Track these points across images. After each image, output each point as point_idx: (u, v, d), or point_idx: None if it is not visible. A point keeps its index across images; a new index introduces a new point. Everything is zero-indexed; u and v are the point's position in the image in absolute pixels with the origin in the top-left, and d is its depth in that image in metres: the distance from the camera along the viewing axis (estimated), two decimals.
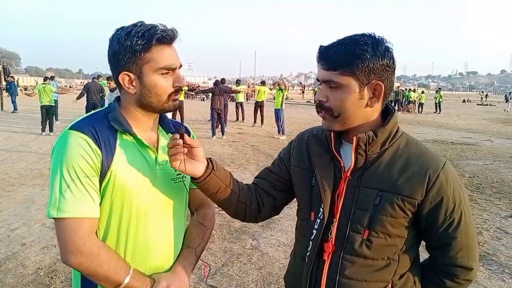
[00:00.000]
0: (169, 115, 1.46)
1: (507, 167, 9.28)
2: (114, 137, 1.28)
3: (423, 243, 1.32)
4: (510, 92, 45.09)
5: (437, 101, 29.33)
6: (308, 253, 1.29)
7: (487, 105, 45.09)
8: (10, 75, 21.95)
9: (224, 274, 3.78)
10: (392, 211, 1.17)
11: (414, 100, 29.94)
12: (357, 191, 1.22)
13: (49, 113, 12.77)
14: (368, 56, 1.14)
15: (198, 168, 1.26)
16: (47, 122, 12.74)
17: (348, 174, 1.24)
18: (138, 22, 1.27)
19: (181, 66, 1.33)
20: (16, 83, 21.47)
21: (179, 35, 1.29)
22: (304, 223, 1.36)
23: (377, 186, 1.19)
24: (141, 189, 1.29)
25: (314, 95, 1.69)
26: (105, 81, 14.77)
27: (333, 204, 1.25)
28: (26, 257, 4.03)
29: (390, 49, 1.18)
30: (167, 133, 1.44)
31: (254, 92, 18.54)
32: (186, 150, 1.23)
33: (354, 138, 1.20)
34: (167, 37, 1.25)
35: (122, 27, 1.27)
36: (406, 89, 33.43)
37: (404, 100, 30.39)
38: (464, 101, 55.61)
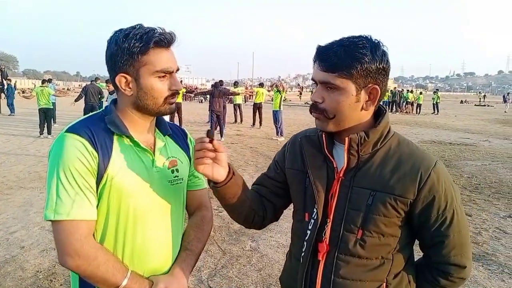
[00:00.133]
0: (166, 118, 1.46)
1: (505, 167, 9.30)
2: (111, 139, 1.28)
3: (417, 242, 1.33)
4: (508, 93, 45.17)
5: (434, 102, 29.41)
6: (302, 254, 1.29)
7: (484, 105, 45.17)
8: (8, 77, 21.85)
9: (223, 276, 3.78)
10: (385, 211, 1.18)
11: (412, 101, 29.99)
12: (350, 191, 1.22)
13: (47, 116, 12.75)
14: (367, 60, 1.14)
15: (221, 173, 1.24)
16: (45, 125, 12.71)
17: (341, 175, 1.24)
18: (137, 25, 1.28)
19: (178, 69, 1.34)
20: (12, 86, 21.39)
21: (177, 38, 1.30)
22: (298, 224, 1.36)
23: (370, 186, 1.20)
24: (138, 192, 1.29)
25: None
26: (104, 84, 14.78)
27: (326, 205, 1.26)
28: (25, 260, 4.01)
29: (386, 53, 1.19)
30: (164, 136, 1.44)
31: (252, 94, 18.54)
32: (213, 155, 1.21)
33: (346, 138, 1.20)
34: (164, 40, 1.25)
35: (121, 29, 1.28)
36: (402, 90, 33.46)
37: (401, 101, 30.45)
38: (462, 101, 55.75)
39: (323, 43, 1.23)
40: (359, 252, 1.21)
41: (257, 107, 16.79)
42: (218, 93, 12.84)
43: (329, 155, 1.28)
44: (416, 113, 28.93)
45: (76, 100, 14.21)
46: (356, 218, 1.20)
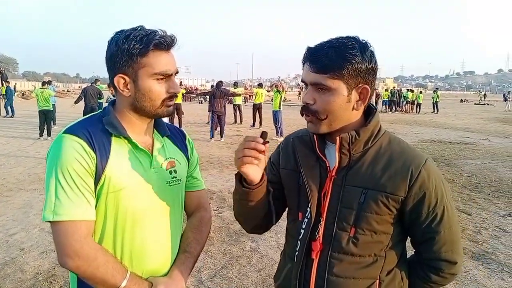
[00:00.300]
0: (166, 119, 1.47)
1: (505, 166, 9.30)
2: (109, 140, 1.28)
3: (409, 239, 1.34)
4: (509, 92, 45.15)
5: (434, 101, 29.42)
6: (296, 253, 1.30)
7: (484, 104, 45.19)
8: (7, 80, 21.85)
9: (223, 277, 3.78)
10: (377, 208, 1.20)
11: (412, 100, 30.02)
12: (342, 189, 1.24)
13: (47, 118, 12.76)
14: (357, 60, 1.16)
15: (258, 174, 1.22)
16: (45, 127, 12.72)
17: (333, 174, 1.25)
18: (138, 26, 1.28)
19: (177, 72, 1.34)
20: (12, 88, 21.36)
21: (177, 41, 1.31)
22: (292, 223, 1.37)
23: (361, 184, 1.21)
24: (136, 193, 1.30)
25: None
26: (104, 85, 14.81)
27: (319, 204, 1.27)
28: (24, 262, 4.01)
29: (374, 53, 1.21)
30: (162, 137, 1.44)
31: (252, 94, 18.54)
32: (262, 156, 1.19)
33: (338, 138, 1.22)
34: (164, 43, 1.26)
35: (122, 30, 1.28)
36: (400, 89, 33.47)
37: (401, 100, 30.47)
38: (461, 100, 55.75)
39: (312, 45, 1.23)
40: (352, 250, 1.22)
41: (257, 108, 16.80)
42: (219, 94, 12.85)
43: (321, 155, 1.29)
44: (416, 112, 28.94)
45: (76, 102, 14.23)
46: (348, 216, 1.22)
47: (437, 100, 29.54)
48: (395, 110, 29.83)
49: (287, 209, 1.44)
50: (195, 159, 1.59)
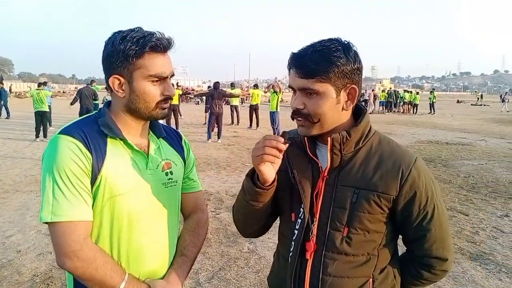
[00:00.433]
0: (162, 120, 1.46)
1: (502, 166, 9.34)
2: (104, 141, 1.28)
3: (400, 236, 1.36)
4: (506, 92, 45.29)
5: (431, 102, 29.50)
6: (291, 254, 1.30)
7: (481, 105, 45.35)
8: (2, 81, 21.72)
9: (221, 278, 3.77)
10: (369, 208, 1.21)
11: (409, 101, 30.10)
12: (335, 190, 1.25)
13: (43, 119, 12.71)
14: (342, 62, 1.17)
15: (273, 174, 1.23)
16: (41, 128, 12.67)
17: (326, 174, 1.26)
18: (136, 28, 1.28)
19: (173, 75, 1.34)
20: (5, 90, 21.21)
21: (174, 44, 1.31)
22: (285, 224, 1.37)
23: (353, 184, 1.23)
24: (132, 194, 1.29)
25: None
26: (99, 86, 14.80)
27: (312, 204, 1.27)
28: (21, 264, 3.99)
29: (358, 53, 1.23)
30: (158, 138, 1.44)
31: (249, 95, 18.52)
32: (281, 157, 1.19)
33: (329, 138, 1.22)
34: (160, 45, 1.26)
35: (119, 31, 1.28)
36: (396, 90, 33.56)
37: (398, 101, 30.56)
38: (458, 101, 55.96)
39: (295, 50, 1.24)
40: (346, 249, 1.23)
41: (253, 109, 16.81)
42: (217, 95, 12.84)
43: (312, 156, 1.29)
44: (413, 113, 29.02)
45: (71, 104, 14.22)
46: (341, 216, 1.23)
47: (434, 100, 29.62)
48: (392, 111, 29.94)
49: (280, 210, 1.43)
50: (192, 160, 1.58)
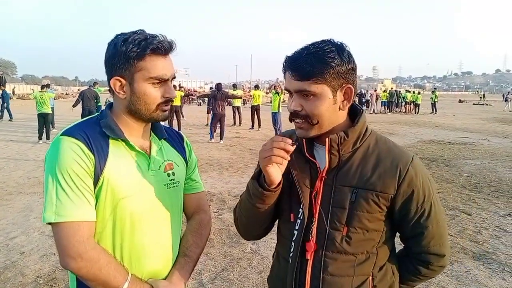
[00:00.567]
0: (164, 122, 1.47)
1: (505, 166, 9.32)
2: (106, 143, 1.29)
3: (398, 234, 1.38)
4: (509, 92, 45.08)
5: (432, 102, 29.46)
6: (291, 254, 1.31)
7: (483, 104, 45.24)
8: (5, 83, 21.76)
9: (224, 279, 3.77)
10: (368, 207, 1.23)
11: (411, 101, 30.07)
12: (333, 190, 1.26)
13: (46, 121, 12.72)
14: (337, 63, 1.18)
15: (279, 176, 1.24)
16: (44, 130, 12.70)
17: (324, 174, 1.27)
18: (139, 30, 1.30)
19: (174, 77, 1.35)
20: (7, 92, 21.20)
21: (176, 47, 1.32)
22: (284, 225, 1.37)
23: (352, 184, 1.24)
24: (134, 194, 1.30)
25: None
26: (101, 88, 14.83)
27: (311, 204, 1.28)
28: (25, 265, 4.00)
29: (351, 53, 1.24)
30: (159, 140, 1.45)
31: (251, 96, 18.53)
32: (288, 158, 1.20)
33: (327, 139, 1.23)
34: (162, 48, 1.27)
35: (122, 33, 1.29)
36: (398, 90, 33.52)
37: (400, 101, 30.54)
38: (460, 101, 55.84)
39: (289, 53, 1.25)
40: (346, 248, 1.24)
41: (255, 109, 16.82)
42: (220, 96, 12.85)
43: (310, 158, 1.30)
44: (415, 113, 28.98)
45: (74, 106, 14.24)
46: (341, 216, 1.24)
47: (436, 100, 29.59)
48: (394, 111, 29.91)
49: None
50: (194, 161, 1.59)
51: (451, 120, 23.44)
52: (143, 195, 1.32)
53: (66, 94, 53.29)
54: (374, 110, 28.96)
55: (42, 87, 13.95)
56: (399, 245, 1.39)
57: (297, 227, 1.30)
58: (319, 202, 1.27)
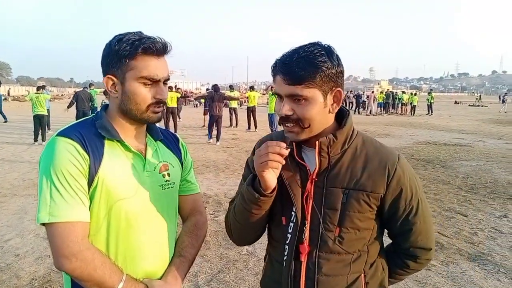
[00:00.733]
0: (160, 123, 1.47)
1: (500, 167, 9.36)
2: (102, 143, 1.29)
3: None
4: (505, 93, 45.26)
5: (429, 103, 29.56)
6: (285, 257, 1.32)
7: (478, 106, 45.43)
8: (1, 84, 21.64)
9: (220, 281, 3.76)
10: (359, 207, 1.25)
11: (407, 103, 30.17)
12: (325, 191, 1.27)
13: (42, 123, 12.67)
14: (328, 66, 1.19)
15: (275, 181, 1.24)
16: (40, 132, 12.66)
17: (314, 177, 1.28)
18: (137, 31, 1.30)
19: (168, 79, 1.35)
20: (0, 94, 21.09)
21: (171, 49, 1.32)
22: (276, 228, 1.37)
23: (342, 185, 1.26)
24: (129, 195, 1.30)
25: None
26: (97, 90, 14.82)
27: (303, 207, 1.28)
28: (20, 268, 3.98)
29: (339, 56, 1.25)
30: (155, 141, 1.45)
31: (247, 98, 18.53)
32: (284, 163, 1.20)
33: (317, 142, 1.24)
34: (153, 48, 1.27)
35: (119, 34, 1.30)
36: (394, 92, 33.64)
37: (396, 103, 30.64)
38: (456, 102, 56.07)
39: (279, 56, 1.25)
40: (338, 248, 1.26)
41: (250, 111, 16.84)
42: (217, 97, 12.85)
43: (300, 161, 1.30)
44: (411, 114, 29.07)
45: (68, 107, 14.22)
46: (333, 217, 1.25)
47: (432, 101, 29.72)
48: (390, 112, 29.99)
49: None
50: (189, 162, 1.59)
51: (447, 121, 23.53)
52: (138, 195, 1.32)
53: (62, 95, 53.42)
54: (371, 111, 29.09)
55: (38, 88, 13.89)
56: (386, 241, 1.42)
57: (290, 230, 1.30)
58: (310, 204, 1.27)
